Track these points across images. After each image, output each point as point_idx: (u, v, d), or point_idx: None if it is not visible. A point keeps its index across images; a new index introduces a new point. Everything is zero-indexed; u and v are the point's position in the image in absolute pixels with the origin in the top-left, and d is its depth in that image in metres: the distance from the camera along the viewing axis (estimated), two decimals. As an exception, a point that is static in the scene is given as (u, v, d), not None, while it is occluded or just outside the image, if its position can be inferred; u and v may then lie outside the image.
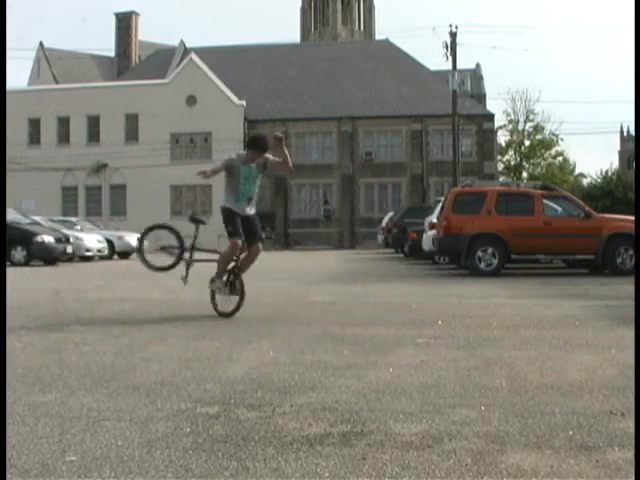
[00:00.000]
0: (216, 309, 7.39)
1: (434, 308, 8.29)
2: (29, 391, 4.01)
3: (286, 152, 7.43)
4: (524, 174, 58.92)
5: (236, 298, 7.35)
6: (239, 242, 7.30)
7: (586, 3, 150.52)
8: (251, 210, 7.50)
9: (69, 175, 43.15)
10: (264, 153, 7.37)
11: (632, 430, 3.12)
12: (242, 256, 7.46)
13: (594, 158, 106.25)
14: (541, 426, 3.24)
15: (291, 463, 2.78)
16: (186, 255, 7.67)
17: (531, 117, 58.59)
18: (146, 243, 8.01)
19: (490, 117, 44.84)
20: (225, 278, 7.39)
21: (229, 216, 7.39)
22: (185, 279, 7.52)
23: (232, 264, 7.45)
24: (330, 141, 44.68)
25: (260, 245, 7.51)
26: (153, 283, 11.25)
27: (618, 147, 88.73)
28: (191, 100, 43.00)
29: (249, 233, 7.39)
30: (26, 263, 19.20)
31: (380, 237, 29.17)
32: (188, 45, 51.00)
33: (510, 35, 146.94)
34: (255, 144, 7.37)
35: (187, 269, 7.60)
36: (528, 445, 2.98)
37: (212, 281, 7.38)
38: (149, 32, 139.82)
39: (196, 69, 43.48)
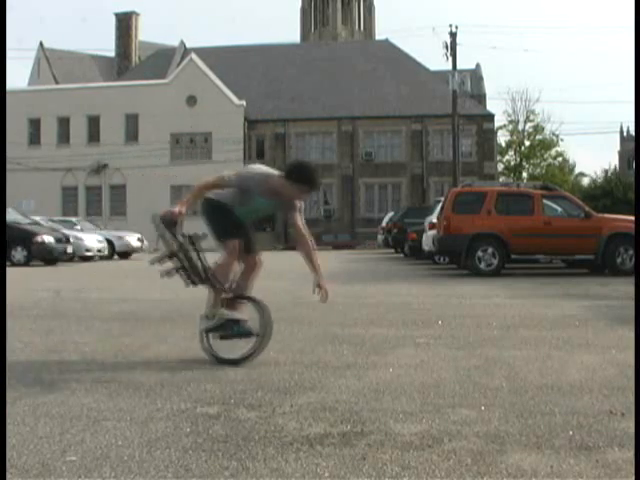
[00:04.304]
0: (214, 354, 4.84)
1: (434, 308, 8.28)
2: (29, 391, 4.01)
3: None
4: (524, 174, 58.94)
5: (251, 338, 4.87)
6: (237, 244, 4.83)
7: (586, 3, 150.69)
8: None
9: (69, 175, 43.14)
10: (305, 192, 4.83)
11: (632, 430, 3.12)
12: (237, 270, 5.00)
13: (594, 158, 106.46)
14: (541, 426, 3.24)
15: (291, 463, 2.78)
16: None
17: (531, 117, 58.65)
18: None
19: (490, 117, 44.88)
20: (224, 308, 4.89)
21: (218, 208, 4.88)
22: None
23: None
24: (330, 141, 44.71)
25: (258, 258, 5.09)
26: (153, 283, 11.22)
27: (618, 147, 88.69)
28: (191, 100, 42.99)
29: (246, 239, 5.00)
30: (26, 263, 19.18)
31: (380, 237, 29.16)
32: (188, 45, 51.07)
33: (510, 35, 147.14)
34: (298, 177, 4.74)
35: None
36: (528, 445, 2.98)
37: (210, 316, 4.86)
38: (149, 32, 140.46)
39: (196, 69, 43.47)
